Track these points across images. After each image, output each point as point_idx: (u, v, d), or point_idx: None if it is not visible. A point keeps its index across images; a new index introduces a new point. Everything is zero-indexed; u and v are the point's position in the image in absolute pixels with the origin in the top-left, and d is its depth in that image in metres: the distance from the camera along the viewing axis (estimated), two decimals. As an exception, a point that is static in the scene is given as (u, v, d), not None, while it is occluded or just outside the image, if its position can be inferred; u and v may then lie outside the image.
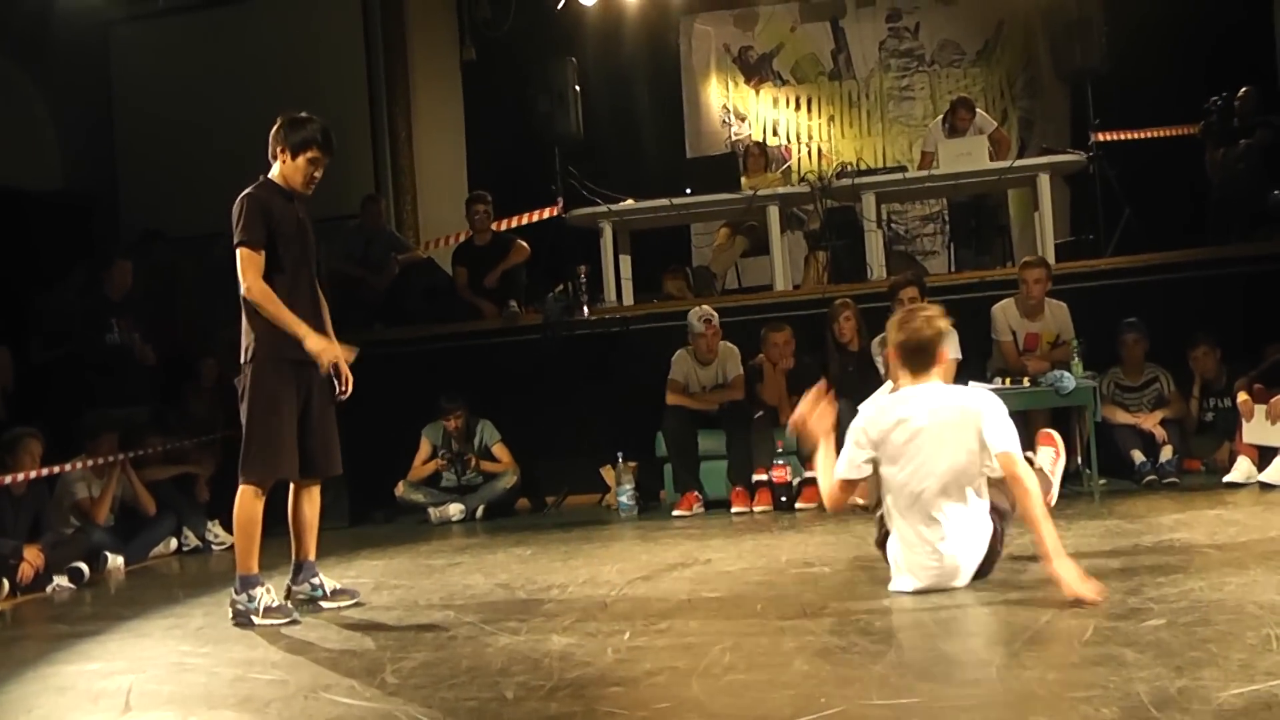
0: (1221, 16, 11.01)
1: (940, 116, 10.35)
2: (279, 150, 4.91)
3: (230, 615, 4.72)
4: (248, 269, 4.77)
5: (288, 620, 4.63)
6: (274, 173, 4.94)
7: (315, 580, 5.06)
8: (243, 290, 4.78)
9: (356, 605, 4.96)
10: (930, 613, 4.04)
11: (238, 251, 4.79)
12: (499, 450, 8.38)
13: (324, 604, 4.98)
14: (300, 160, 4.86)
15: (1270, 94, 10.73)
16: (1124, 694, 2.96)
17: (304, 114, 4.94)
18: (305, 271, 4.97)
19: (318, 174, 4.93)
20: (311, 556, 5.07)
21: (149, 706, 3.59)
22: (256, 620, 4.62)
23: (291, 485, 4.97)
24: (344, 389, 5.03)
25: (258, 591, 4.69)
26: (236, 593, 4.74)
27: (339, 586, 5.12)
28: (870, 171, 9.85)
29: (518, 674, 3.52)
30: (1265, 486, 6.80)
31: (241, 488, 4.75)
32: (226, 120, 10.44)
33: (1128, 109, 10.18)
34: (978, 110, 10.11)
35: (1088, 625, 3.69)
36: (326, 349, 4.85)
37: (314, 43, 11.41)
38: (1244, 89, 10.20)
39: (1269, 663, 3.16)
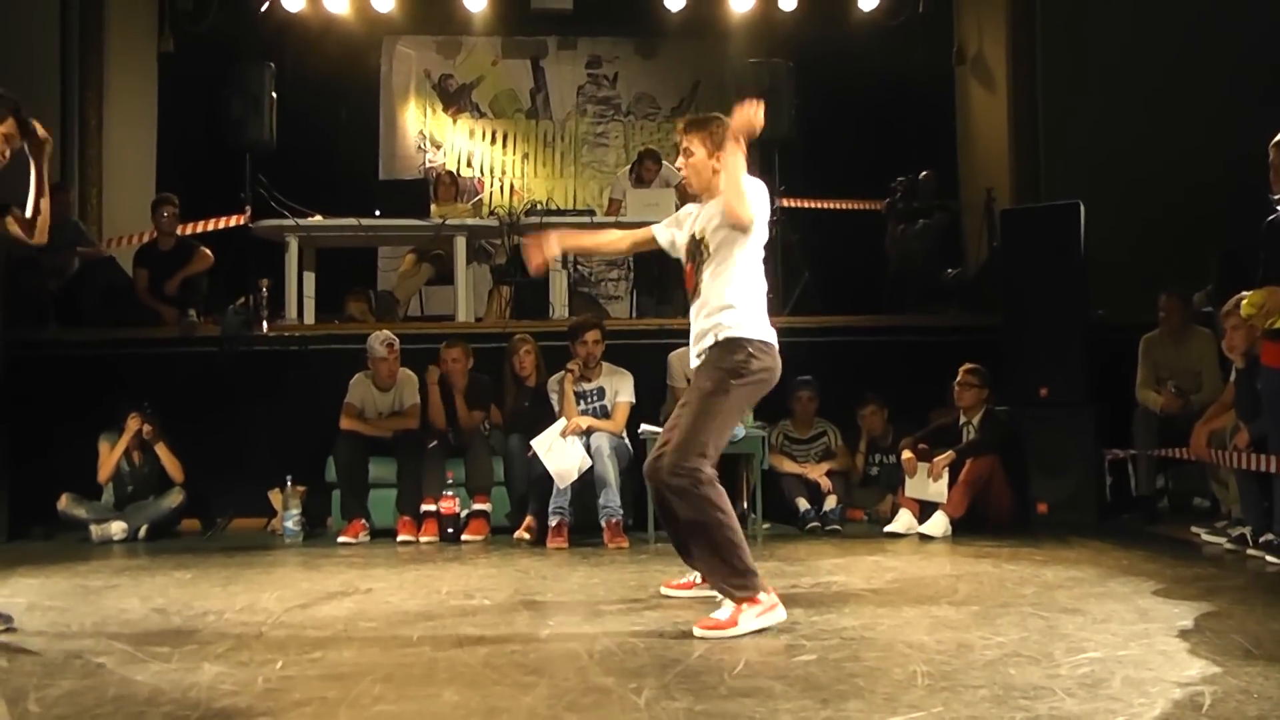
0: (909, 103, 11.82)
1: (629, 166, 10.66)
2: None
3: None
4: None
5: None
6: None
7: None
8: None
9: (9, 631, 4.64)
10: (585, 646, 4.16)
11: None
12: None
13: None
14: None
15: (949, 179, 11.62)
16: (770, 724, 3.12)
17: None
18: None
19: (7, 153, 4.50)
20: None
21: None
22: None
23: None
24: None
25: None
26: None
27: None
28: (559, 212, 10.07)
29: (164, 703, 3.46)
30: (924, 538, 7.31)
31: None
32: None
33: (814, 179, 10.77)
34: (664, 163, 10.45)
35: (739, 659, 3.88)
36: None
37: (3, 11, 10.70)
38: (925, 172, 10.99)
39: (913, 696, 3.39)
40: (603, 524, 7.29)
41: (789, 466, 8.07)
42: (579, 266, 12.23)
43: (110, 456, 7.96)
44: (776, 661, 3.89)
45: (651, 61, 13.38)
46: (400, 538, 7.54)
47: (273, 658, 4.08)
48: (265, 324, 8.80)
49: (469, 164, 13.23)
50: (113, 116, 11.02)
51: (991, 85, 11.57)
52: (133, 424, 7.92)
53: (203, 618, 4.90)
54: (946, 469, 7.58)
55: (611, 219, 9.74)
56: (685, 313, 9.89)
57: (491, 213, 10.78)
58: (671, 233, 5.19)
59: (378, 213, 9.40)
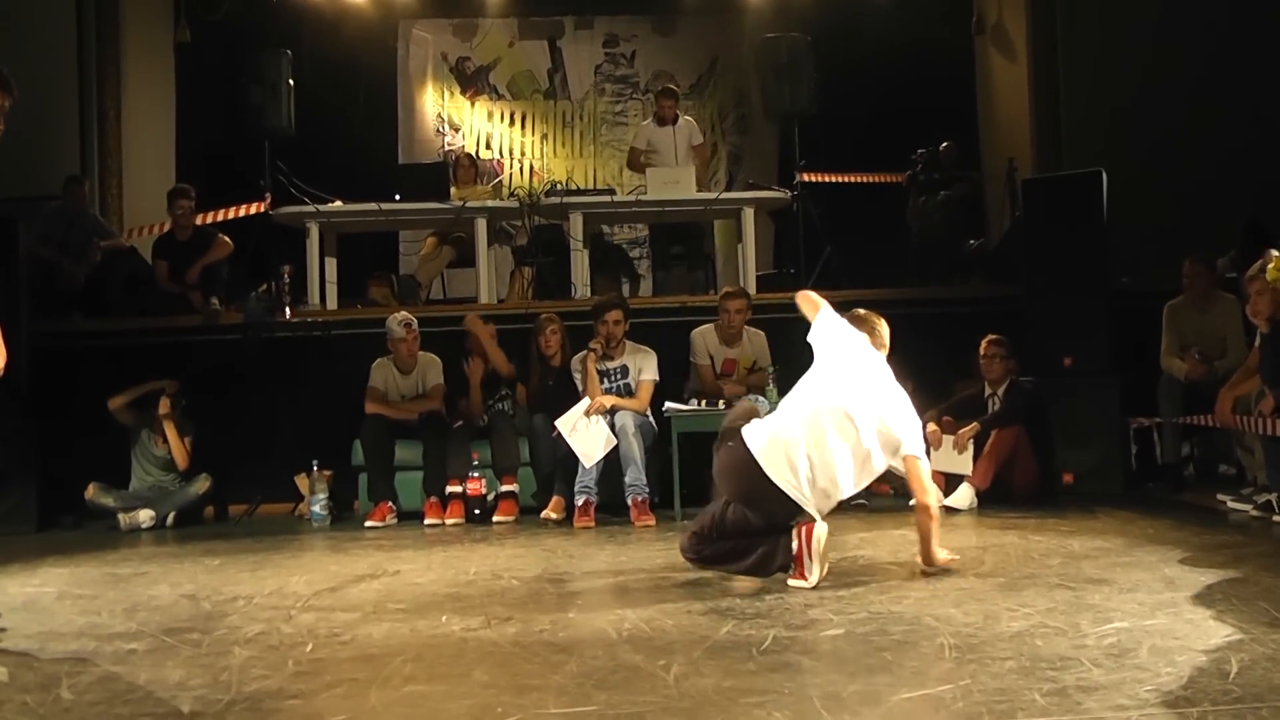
0: (928, 75, 11.77)
1: (651, 117, 10.68)
2: None
3: None
4: None
5: None
6: None
7: None
8: None
9: None
10: (613, 624, 4.15)
11: None
12: (186, 444, 8.08)
13: None
14: None
15: (970, 150, 11.57)
16: (797, 698, 3.11)
17: None
18: None
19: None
20: None
21: None
22: None
23: None
24: None
25: None
26: None
27: None
28: (579, 192, 10.07)
29: (196, 687, 3.48)
30: (949, 510, 7.22)
31: None
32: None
33: (834, 153, 10.73)
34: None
35: (767, 635, 3.86)
36: None
37: (19, 5, 10.64)
38: (946, 143, 10.96)
39: (941, 670, 3.38)
40: (629, 502, 7.30)
41: (814, 442, 8.02)
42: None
43: (127, 396, 8.04)
44: (804, 636, 3.88)
45: (669, 39, 13.37)
46: (427, 520, 7.56)
47: (303, 640, 4.10)
48: (288, 310, 8.86)
49: (488, 146, 13.26)
50: (131, 107, 11.08)
51: (1012, 54, 11.51)
52: (163, 404, 8.01)
53: (232, 603, 4.92)
54: (971, 441, 7.57)
55: (632, 197, 9.73)
56: (707, 289, 9.98)
57: (511, 194, 10.76)
58: None
59: (398, 197, 9.42)
